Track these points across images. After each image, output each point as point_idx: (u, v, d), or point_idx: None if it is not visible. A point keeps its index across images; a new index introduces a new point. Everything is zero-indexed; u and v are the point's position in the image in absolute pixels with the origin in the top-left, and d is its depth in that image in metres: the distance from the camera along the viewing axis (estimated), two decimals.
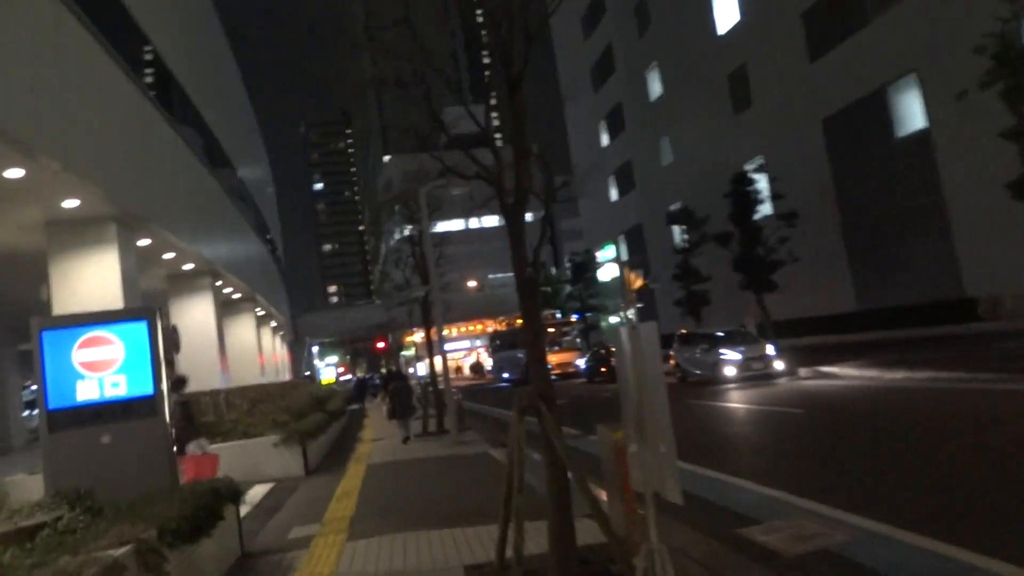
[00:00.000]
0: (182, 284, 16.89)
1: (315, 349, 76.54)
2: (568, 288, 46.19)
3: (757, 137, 31.48)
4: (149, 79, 13.46)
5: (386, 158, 76.81)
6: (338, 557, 5.57)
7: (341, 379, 69.38)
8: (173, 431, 7.91)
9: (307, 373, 64.33)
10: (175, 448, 7.84)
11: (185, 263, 15.77)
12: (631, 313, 27.19)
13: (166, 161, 13.59)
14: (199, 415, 10.87)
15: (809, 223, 25.39)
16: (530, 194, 4.66)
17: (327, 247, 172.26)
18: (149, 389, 5.54)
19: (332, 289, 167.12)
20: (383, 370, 45.43)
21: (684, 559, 4.52)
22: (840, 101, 26.43)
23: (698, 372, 19.35)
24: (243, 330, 25.22)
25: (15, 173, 8.18)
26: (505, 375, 42.31)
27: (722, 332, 20.14)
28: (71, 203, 9.58)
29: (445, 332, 15.20)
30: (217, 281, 18.11)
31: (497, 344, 47.36)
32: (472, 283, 63.35)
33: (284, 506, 8.39)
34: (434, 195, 16.40)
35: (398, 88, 4.99)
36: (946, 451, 7.22)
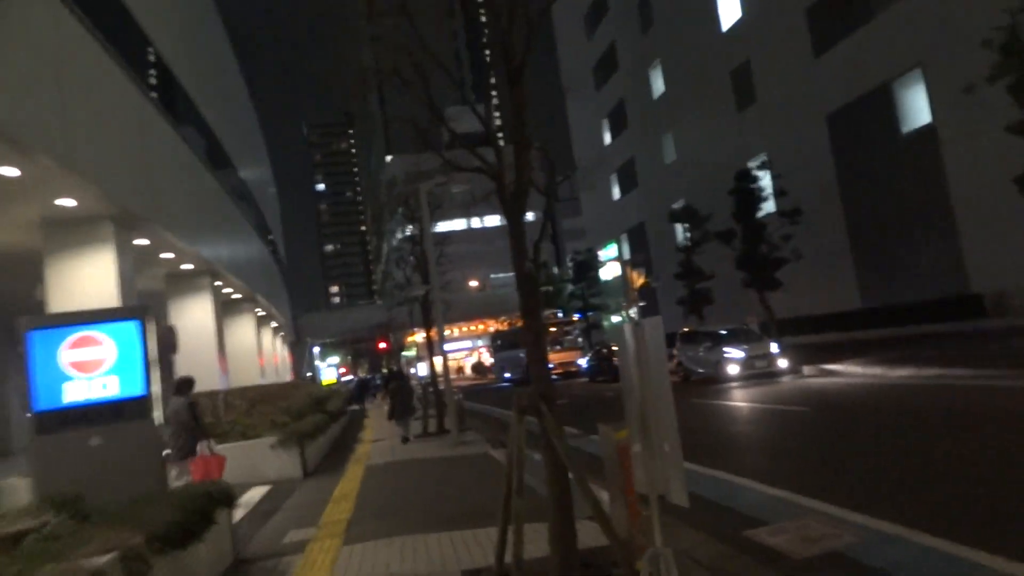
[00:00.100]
0: (181, 284, 16.77)
1: (316, 350, 76.43)
2: (570, 287, 46.02)
3: (760, 134, 31.30)
4: (149, 78, 13.33)
5: (388, 158, 76.70)
6: (333, 562, 5.43)
7: (343, 380, 69.33)
8: (182, 432, 7.99)
9: (308, 374, 64.25)
10: (185, 448, 7.95)
11: (184, 263, 15.65)
12: (633, 312, 27.07)
13: (165, 160, 13.46)
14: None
15: (813, 220, 25.18)
16: (530, 187, 4.53)
17: (329, 247, 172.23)
18: (140, 390, 5.40)
19: (334, 290, 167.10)
20: (384, 370, 45.35)
21: (689, 562, 4.38)
22: (844, 97, 26.24)
23: (701, 370, 19.20)
24: (243, 331, 25.12)
25: (10, 171, 8.07)
26: (507, 375, 42.22)
27: (725, 330, 19.99)
28: (67, 202, 9.46)
29: (447, 332, 15.08)
30: (216, 281, 17.99)
31: (499, 344, 47.23)
32: (474, 283, 63.26)
33: (281, 509, 8.25)
34: (435, 194, 16.27)
35: (397, 79, 4.86)
36: (954, 449, 7.06)
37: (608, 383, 25.37)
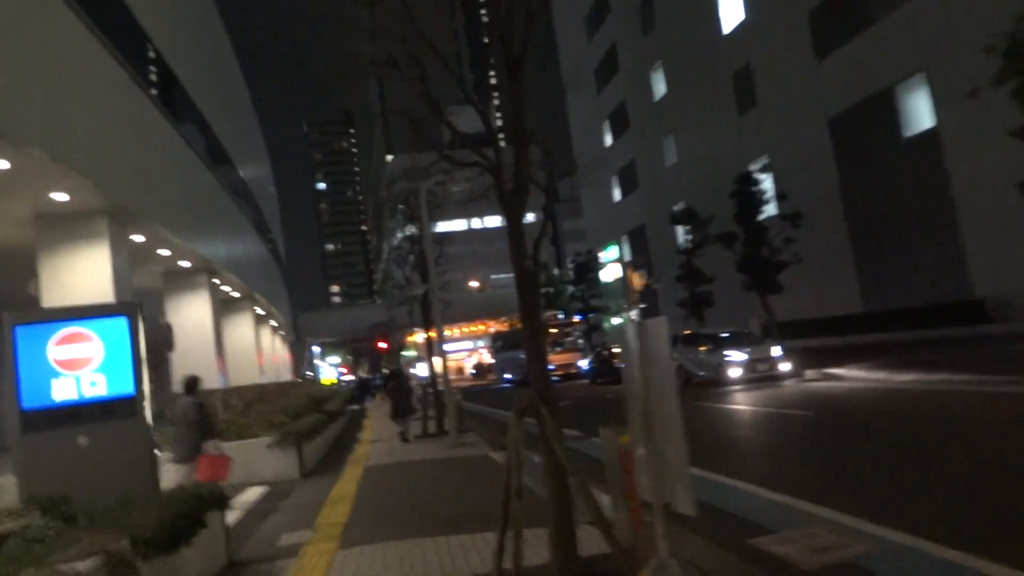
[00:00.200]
0: (179, 282, 16.63)
1: (316, 349, 76.30)
2: (571, 289, 45.90)
3: (762, 137, 31.18)
4: (145, 73, 13.20)
5: (389, 157, 76.64)
6: (328, 567, 5.29)
7: (343, 379, 69.18)
8: (191, 431, 7.94)
9: (309, 373, 64.10)
10: (194, 447, 7.90)
11: (181, 260, 15.51)
12: (634, 314, 26.89)
13: (161, 155, 13.32)
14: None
15: (814, 224, 25.07)
16: (529, 184, 4.39)
17: (329, 247, 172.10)
18: (130, 389, 5.26)
19: (335, 289, 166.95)
20: (384, 370, 45.21)
21: (694, 572, 4.24)
22: (846, 101, 26.10)
23: (702, 373, 19.05)
24: (242, 330, 24.98)
25: (0, 164, 7.94)
26: (507, 376, 42.10)
27: (726, 333, 19.85)
28: (60, 196, 9.33)
29: (447, 332, 14.93)
30: (215, 279, 17.85)
31: (499, 345, 47.11)
32: (474, 283, 63.13)
33: (276, 510, 8.12)
34: (435, 193, 16.16)
35: (395, 72, 4.73)
36: (964, 457, 6.93)
37: (608, 385, 25.22)
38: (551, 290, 46.60)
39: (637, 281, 27.51)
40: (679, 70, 38.53)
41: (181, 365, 15.90)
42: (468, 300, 58.38)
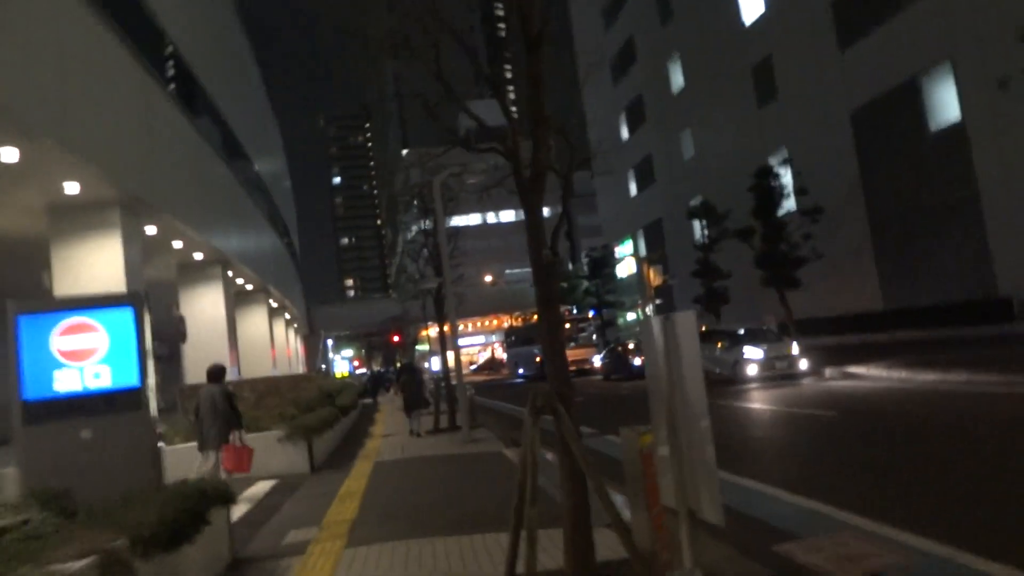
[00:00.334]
0: (192, 274, 16.59)
1: (330, 342, 76.52)
2: (585, 284, 45.61)
3: (782, 130, 30.68)
4: (159, 64, 13.09)
5: (404, 152, 76.63)
6: (334, 566, 5.13)
7: (356, 372, 69.35)
8: (217, 420, 8.10)
9: (323, 366, 64.30)
10: (220, 437, 8.07)
11: (195, 252, 15.46)
12: (649, 309, 26.62)
13: (175, 146, 13.23)
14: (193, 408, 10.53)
15: (834, 219, 24.60)
16: (548, 170, 4.18)
17: (344, 241, 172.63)
18: (134, 381, 5.12)
19: (349, 283, 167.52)
20: (398, 364, 45.21)
21: None
22: (870, 92, 25.57)
23: (718, 371, 18.75)
24: (255, 322, 24.98)
25: (10, 152, 7.84)
26: (520, 371, 41.98)
27: (744, 330, 19.52)
28: (72, 186, 9.24)
29: (460, 327, 14.77)
30: (228, 272, 17.80)
31: (512, 340, 46.98)
32: (488, 278, 62.99)
33: (284, 505, 7.99)
34: (450, 186, 15.97)
35: (408, 52, 4.54)
36: (997, 461, 6.64)
37: (622, 381, 24.98)
38: (565, 285, 46.32)
39: (654, 276, 27.22)
40: (697, 62, 38.04)
41: (194, 357, 15.88)
42: (482, 295, 58.27)
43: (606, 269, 45.53)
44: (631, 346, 26.62)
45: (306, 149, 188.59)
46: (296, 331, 43.96)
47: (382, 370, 53.13)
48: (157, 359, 5.65)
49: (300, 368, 41.70)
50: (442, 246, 13.81)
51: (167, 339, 16.83)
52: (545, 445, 5.16)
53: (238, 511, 7.41)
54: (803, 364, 17.20)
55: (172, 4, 14.34)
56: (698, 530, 4.36)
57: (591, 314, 43.48)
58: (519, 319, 63.52)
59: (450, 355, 15.42)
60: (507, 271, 72.54)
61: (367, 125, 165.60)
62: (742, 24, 33.28)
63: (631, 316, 50.52)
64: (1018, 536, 4.51)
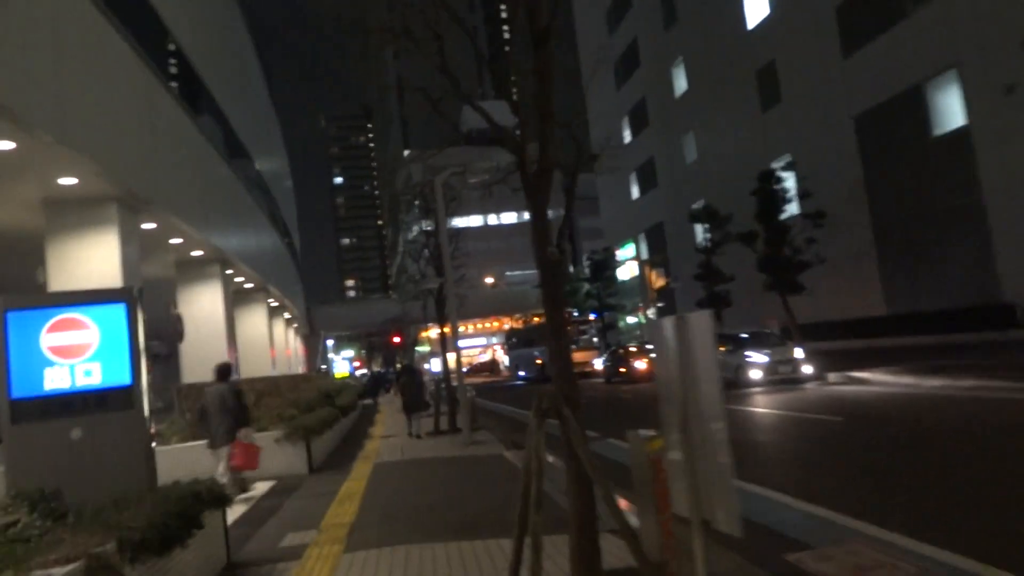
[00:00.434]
0: (191, 272, 16.43)
1: (330, 343, 76.36)
2: (586, 286, 45.46)
3: (785, 134, 30.56)
4: (160, 60, 12.97)
5: (406, 152, 76.54)
6: (332, 571, 4.99)
7: (356, 373, 69.17)
8: (226, 417, 8.20)
9: (323, 367, 64.14)
10: (229, 434, 8.18)
11: (194, 250, 15.30)
12: (651, 312, 26.48)
13: (174, 142, 13.10)
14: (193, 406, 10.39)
15: (838, 223, 24.44)
16: (554, 166, 4.05)
17: (345, 241, 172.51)
18: (126, 379, 4.98)
19: (350, 283, 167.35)
20: (398, 365, 45.04)
21: None
22: (874, 98, 25.44)
23: (721, 374, 18.60)
24: (255, 321, 24.82)
25: (5, 145, 7.71)
26: (521, 373, 41.86)
27: (747, 334, 19.37)
28: (68, 180, 9.10)
29: (461, 329, 14.62)
30: (228, 270, 17.65)
31: (513, 342, 46.83)
32: (489, 280, 62.86)
33: (282, 507, 7.85)
34: (451, 185, 15.84)
35: (411, 44, 4.41)
36: (1011, 468, 6.49)
37: (623, 384, 24.84)
38: (567, 287, 46.17)
39: (655, 279, 27.07)
40: (701, 66, 37.93)
41: (192, 356, 15.74)
42: (482, 296, 58.10)
43: (607, 272, 45.37)
44: (633, 349, 26.46)
45: (308, 149, 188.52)
46: (296, 331, 43.81)
47: (382, 371, 52.96)
48: (156, 358, 5.56)
49: (300, 368, 41.53)
50: (443, 246, 13.68)
51: (167, 338, 16.70)
52: (549, 447, 5.02)
53: (235, 513, 7.27)
54: (807, 369, 17.06)
55: (176, 1, 14.22)
56: (707, 538, 4.23)
57: (592, 317, 43.33)
58: (519, 321, 63.37)
59: (451, 356, 15.28)
60: (508, 273, 72.39)
61: (369, 125, 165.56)
62: (746, 28, 33.18)
63: (632, 319, 50.37)
64: None
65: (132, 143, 10.41)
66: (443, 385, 16.17)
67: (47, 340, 4.78)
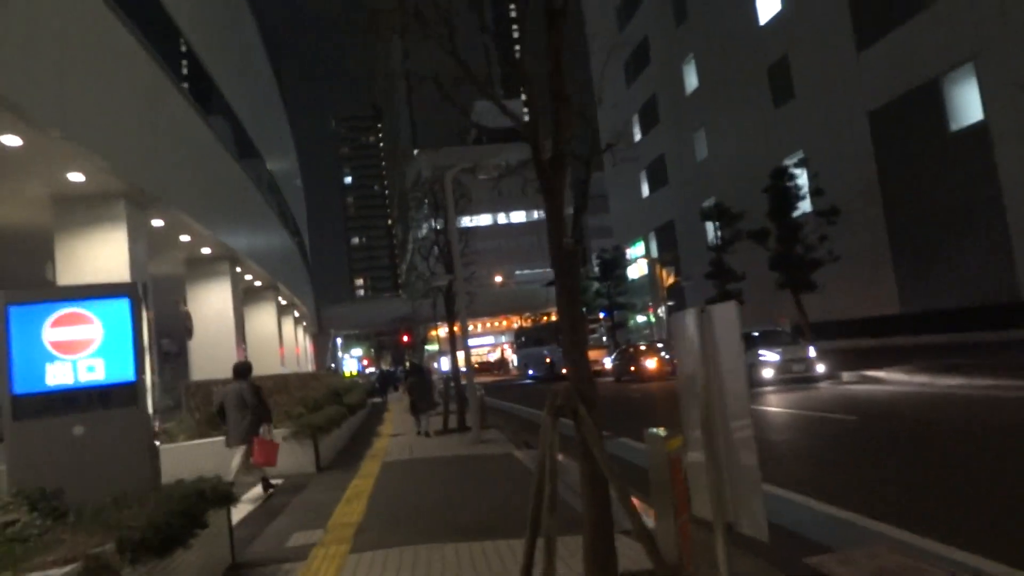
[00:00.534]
0: (200, 269, 16.41)
1: (339, 341, 76.48)
2: (596, 285, 45.24)
3: (798, 131, 30.24)
4: (168, 57, 12.91)
5: (415, 152, 76.51)
6: (339, 572, 4.87)
7: (366, 371, 69.23)
8: (246, 414, 8.28)
9: (332, 365, 64.24)
10: (250, 430, 8.26)
11: (203, 247, 15.27)
12: (661, 311, 26.25)
13: (183, 139, 13.04)
14: (207, 404, 10.34)
15: (851, 221, 24.15)
16: (569, 151, 3.91)
17: (355, 240, 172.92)
18: (130, 375, 4.87)
19: (359, 282, 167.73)
20: (407, 363, 44.99)
21: None
22: (888, 93, 25.10)
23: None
24: (264, 319, 24.82)
25: (12, 141, 7.65)
26: (530, 371, 41.74)
27: (758, 332, 19.13)
28: (76, 176, 9.05)
29: (470, 327, 14.49)
30: (237, 268, 17.62)
31: (522, 341, 46.68)
32: (498, 278, 62.72)
33: (289, 506, 7.74)
34: (461, 182, 15.72)
35: (420, 25, 4.28)
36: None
37: (632, 383, 24.66)
38: None
39: (666, 278, 26.86)
40: (712, 63, 37.63)
41: (202, 353, 15.71)
42: (492, 295, 57.96)
43: (617, 271, 45.14)
44: (643, 347, 26.26)
45: (318, 149, 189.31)
46: (305, 329, 43.85)
47: (391, 369, 52.98)
48: (167, 355, 5.48)
49: (309, 366, 41.57)
50: (453, 242, 13.56)
51: (177, 336, 16.69)
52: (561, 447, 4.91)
53: (240, 512, 7.18)
54: (820, 367, 16.82)
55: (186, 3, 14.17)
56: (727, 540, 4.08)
57: (602, 316, 43.11)
58: (529, 320, 63.23)
59: (460, 355, 15.16)
60: (517, 272, 72.27)
61: (379, 125, 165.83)
62: (758, 23, 32.86)
63: (641, 318, 50.10)
64: None
65: (139, 139, 10.34)
66: (452, 383, 16.05)
67: (49, 335, 4.69)
